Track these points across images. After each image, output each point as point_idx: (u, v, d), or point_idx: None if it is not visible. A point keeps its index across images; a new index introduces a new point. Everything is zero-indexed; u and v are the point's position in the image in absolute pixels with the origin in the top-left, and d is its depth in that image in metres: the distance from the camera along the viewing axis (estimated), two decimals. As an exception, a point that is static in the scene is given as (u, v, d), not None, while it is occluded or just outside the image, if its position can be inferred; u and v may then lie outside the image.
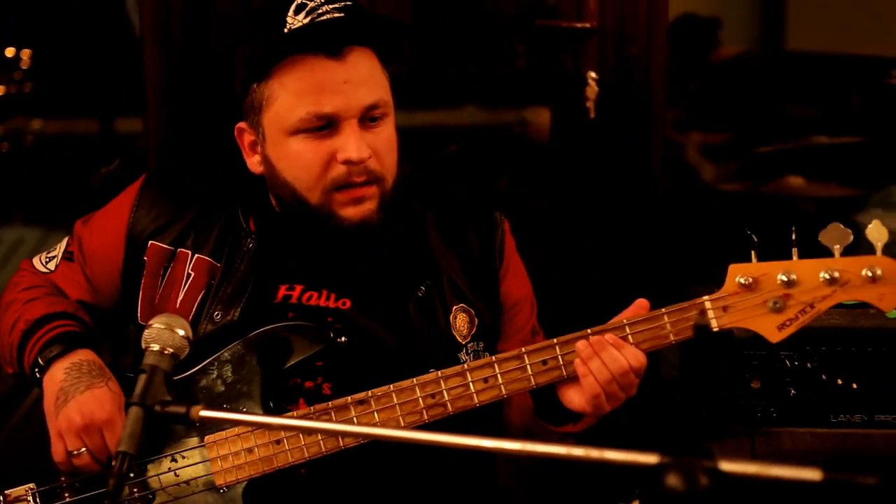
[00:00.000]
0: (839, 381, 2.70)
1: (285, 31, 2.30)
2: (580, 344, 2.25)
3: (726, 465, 1.48)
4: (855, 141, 4.41)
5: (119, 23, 5.60)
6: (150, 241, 2.50)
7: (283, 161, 2.37)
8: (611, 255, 3.37)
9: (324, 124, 2.31)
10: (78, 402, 2.30)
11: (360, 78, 2.32)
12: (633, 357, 2.25)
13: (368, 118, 2.34)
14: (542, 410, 2.41)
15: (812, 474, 1.47)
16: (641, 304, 2.30)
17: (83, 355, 2.37)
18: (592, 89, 3.21)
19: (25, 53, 7.93)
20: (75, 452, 2.30)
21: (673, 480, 1.46)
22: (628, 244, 3.36)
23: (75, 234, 2.59)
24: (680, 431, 2.25)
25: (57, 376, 2.34)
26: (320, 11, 2.30)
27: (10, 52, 7.75)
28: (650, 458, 1.51)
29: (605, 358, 2.24)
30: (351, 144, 2.30)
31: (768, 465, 1.50)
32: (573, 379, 2.28)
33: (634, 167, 3.31)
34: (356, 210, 2.35)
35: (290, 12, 2.31)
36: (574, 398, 2.31)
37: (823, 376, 2.70)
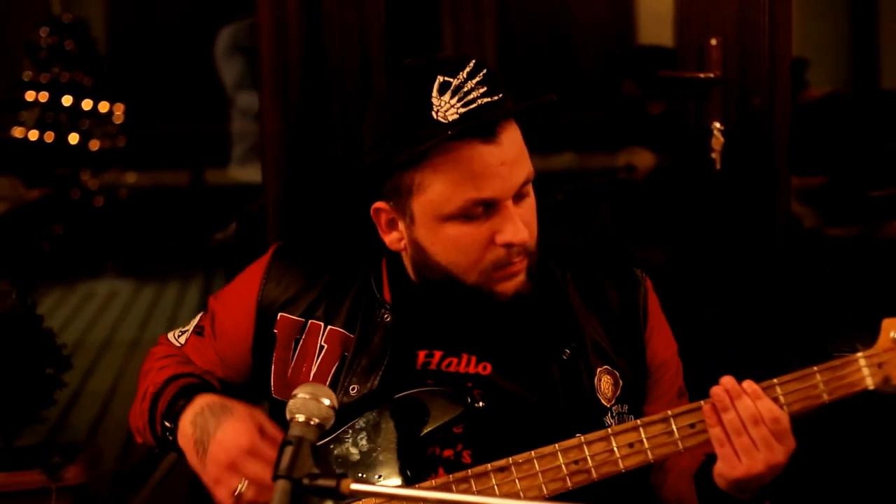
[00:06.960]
0: None
1: (433, 114, 2.21)
2: (715, 390, 2.17)
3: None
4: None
5: (208, 76, 5.66)
6: (280, 314, 2.45)
7: (436, 245, 2.31)
8: (738, 308, 3.30)
9: (481, 209, 2.27)
10: (215, 443, 2.24)
11: (514, 157, 2.26)
12: (766, 409, 2.15)
13: (519, 193, 2.29)
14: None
15: None
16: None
17: (203, 400, 2.32)
18: (718, 140, 3.15)
19: (119, 108, 8.08)
20: (240, 489, 2.21)
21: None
22: (756, 297, 3.28)
23: (209, 309, 2.56)
24: None
25: (187, 431, 2.29)
26: (466, 90, 2.22)
27: (103, 106, 7.88)
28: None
29: (739, 406, 2.15)
30: (510, 227, 2.25)
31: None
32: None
33: (761, 219, 3.24)
34: (511, 284, 2.31)
35: (435, 92, 2.23)
36: (719, 472, 2.21)
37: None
